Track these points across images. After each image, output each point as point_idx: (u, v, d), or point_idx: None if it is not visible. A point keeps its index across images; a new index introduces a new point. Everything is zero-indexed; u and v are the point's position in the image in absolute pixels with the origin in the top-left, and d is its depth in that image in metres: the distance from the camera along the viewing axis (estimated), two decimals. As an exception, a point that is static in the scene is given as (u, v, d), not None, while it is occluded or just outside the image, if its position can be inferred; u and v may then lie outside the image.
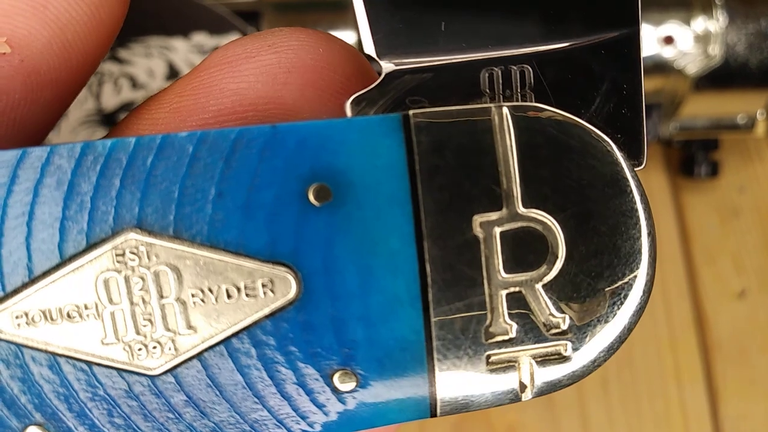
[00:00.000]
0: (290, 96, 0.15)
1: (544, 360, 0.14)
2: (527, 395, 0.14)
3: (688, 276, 0.38)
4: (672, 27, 0.33)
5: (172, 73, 0.29)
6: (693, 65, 0.33)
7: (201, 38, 0.30)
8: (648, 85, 0.35)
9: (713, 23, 0.33)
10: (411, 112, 0.14)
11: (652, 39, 0.34)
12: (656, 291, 0.37)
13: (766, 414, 0.36)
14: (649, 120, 0.36)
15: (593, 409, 0.35)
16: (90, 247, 0.13)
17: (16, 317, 0.13)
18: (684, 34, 0.33)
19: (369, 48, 0.15)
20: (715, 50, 0.33)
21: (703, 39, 0.33)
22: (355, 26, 0.33)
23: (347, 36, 0.33)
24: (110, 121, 0.29)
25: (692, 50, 0.33)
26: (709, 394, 0.36)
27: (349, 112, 0.15)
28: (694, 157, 0.39)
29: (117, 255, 0.13)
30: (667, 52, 0.34)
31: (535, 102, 0.15)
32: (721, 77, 0.34)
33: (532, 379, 0.14)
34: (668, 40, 0.33)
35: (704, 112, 0.36)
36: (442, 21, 0.15)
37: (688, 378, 0.36)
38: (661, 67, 0.34)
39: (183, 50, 0.29)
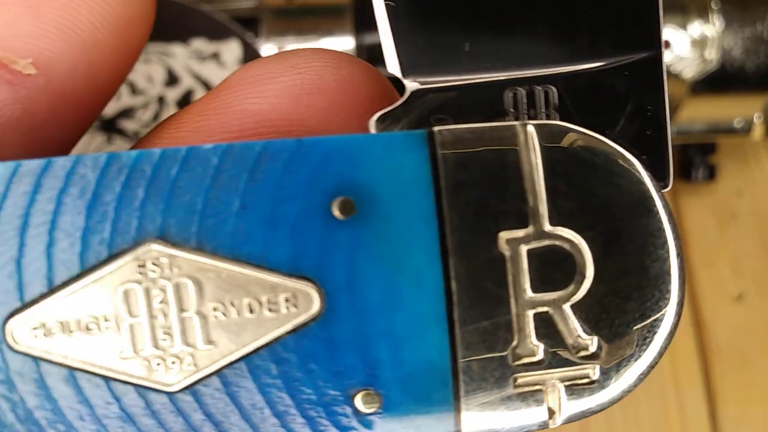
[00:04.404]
0: (313, 118, 0.15)
1: (572, 384, 0.14)
2: (555, 421, 0.14)
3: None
4: (668, 31, 0.33)
5: (171, 79, 0.29)
6: (690, 69, 0.33)
7: (200, 44, 0.30)
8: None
9: (709, 28, 0.33)
10: (436, 128, 0.14)
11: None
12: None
13: (765, 417, 0.35)
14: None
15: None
16: (111, 257, 0.12)
17: (34, 328, 0.12)
18: (680, 38, 0.33)
19: (394, 67, 0.15)
20: (712, 54, 0.33)
21: (699, 43, 0.33)
22: (353, 31, 0.33)
23: (345, 41, 0.33)
24: (109, 126, 0.29)
25: (689, 55, 0.33)
26: (708, 397, 0.35)
27: (373, 129, 0.14)
28: (692, 161, 0.38)
29: (138, 266, 0.12)
30: (664, 57, 0.34)
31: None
32: (718, 81, 0.34)
33: (560, 404, 0.14)
34: (665, 45, 0.34)
35: (701, 116, 0.36)
36: (467, 41, 0.15)
37: (686, 381, 0.35)
38: (657, 71, 0.34)
39: (182, 56, 0.29)
